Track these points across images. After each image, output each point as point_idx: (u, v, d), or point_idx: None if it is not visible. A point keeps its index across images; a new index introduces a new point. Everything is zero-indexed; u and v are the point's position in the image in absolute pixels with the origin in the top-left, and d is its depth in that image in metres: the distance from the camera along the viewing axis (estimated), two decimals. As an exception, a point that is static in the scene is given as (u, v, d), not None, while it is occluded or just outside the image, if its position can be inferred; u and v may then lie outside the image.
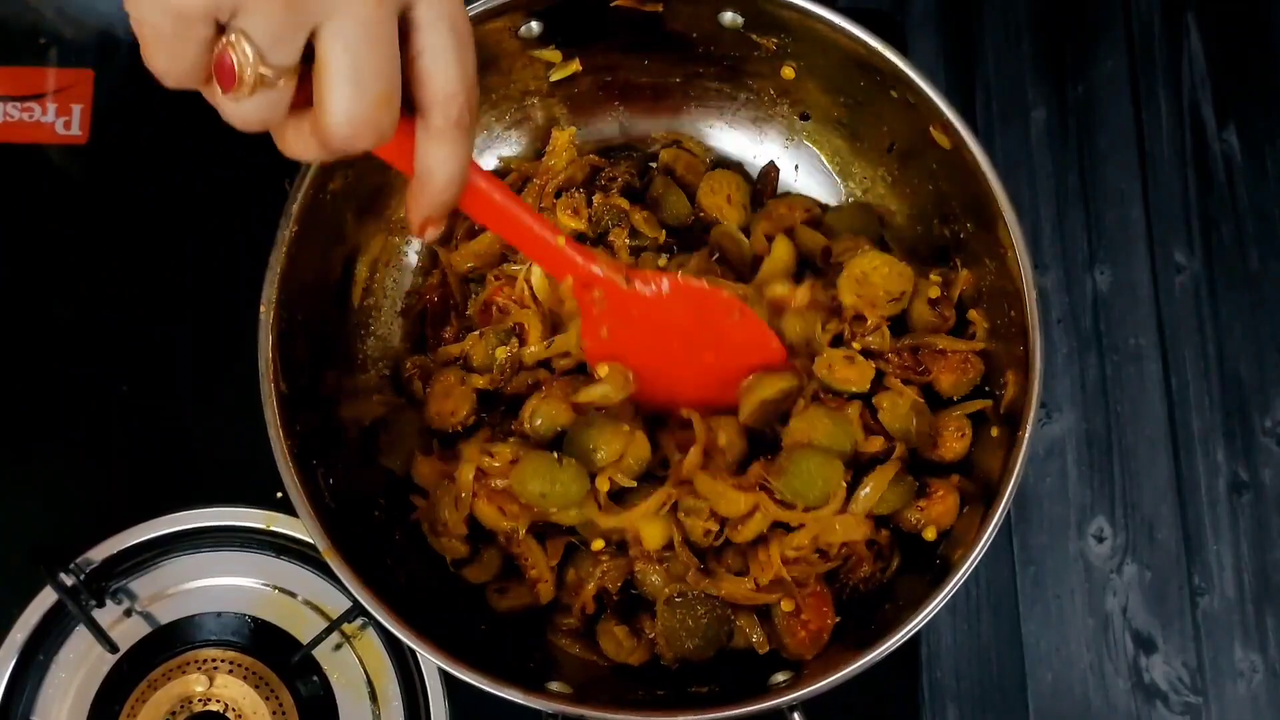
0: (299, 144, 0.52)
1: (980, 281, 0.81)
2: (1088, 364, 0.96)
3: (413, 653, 0.86)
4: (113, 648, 0.85)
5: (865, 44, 0.77)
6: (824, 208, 0.90)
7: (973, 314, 0.82)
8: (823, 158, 0.91)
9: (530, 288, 0.83)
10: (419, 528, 0.82)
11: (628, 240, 0.85)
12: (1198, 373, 0.96)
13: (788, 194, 0.91)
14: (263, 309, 0.74)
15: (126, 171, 0.97)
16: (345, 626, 0.85)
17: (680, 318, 0.74)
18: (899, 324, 0.84)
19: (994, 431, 0.78)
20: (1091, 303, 0.97)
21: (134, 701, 0.84)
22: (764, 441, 0.79)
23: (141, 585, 0.87)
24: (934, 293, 0.82)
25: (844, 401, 0.79)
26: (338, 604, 0.86)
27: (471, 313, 0.86)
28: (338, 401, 0.82)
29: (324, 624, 0.85)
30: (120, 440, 0.92)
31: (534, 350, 0.82)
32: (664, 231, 0.87)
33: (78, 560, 0.86)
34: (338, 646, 0.87)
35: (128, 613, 0.87)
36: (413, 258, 0.89)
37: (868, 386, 0.79)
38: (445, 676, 0.85)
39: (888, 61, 0.77)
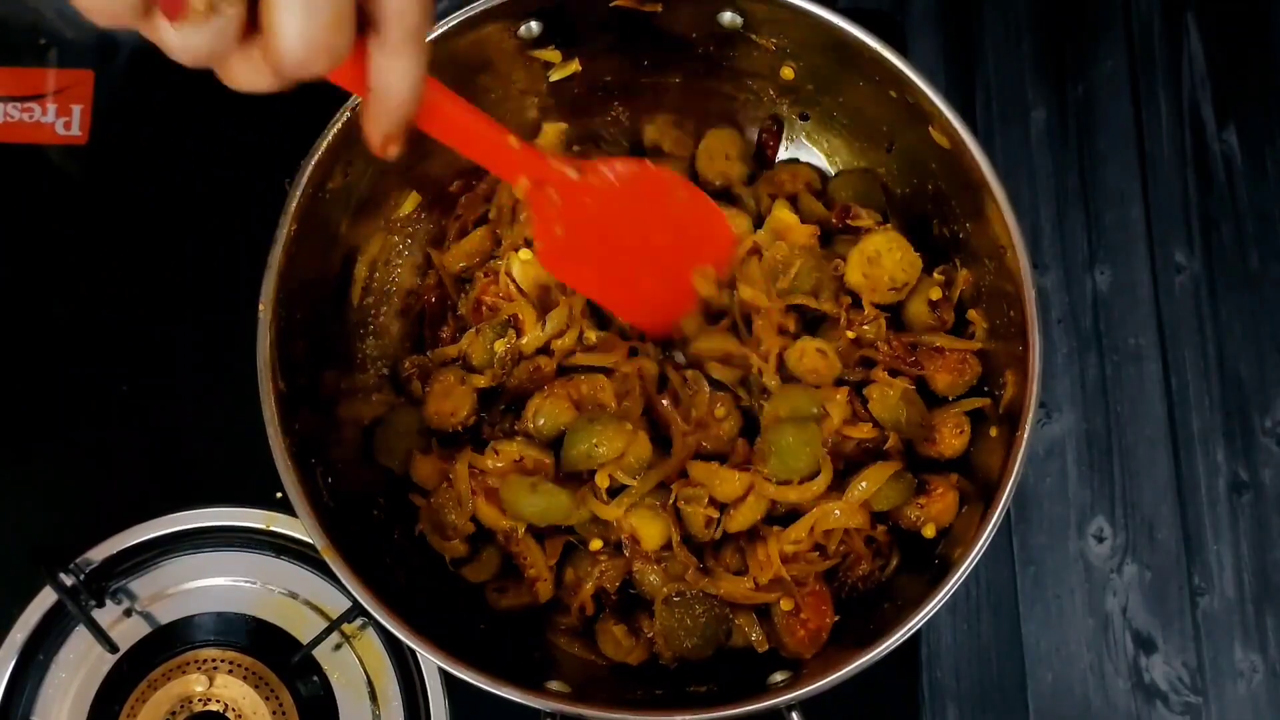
0: (248, 75, 0.49)
1: (979, 281, 0.81)
2: (1088, 364, 0.96)
3: (413, 652, 0.86)
4: (113, 648, 0.85)
5: (865, 44, 0.77)
6: (825, 176, 0.91)
7: (972, 314, 0.82)
8: (822, 157, 0.91)
9: (514, 280, 0.83)
10: (418, 527, 0.82)
11: None
12: (1198, 373, 0.96)
13: (793, 161, 0.91)
14: (262, 308, 0.74)
15: (126, 171, 0.98)
16: (345, 626, 0.85)
17: (631, 205, 0.74)
18: (895, 322, 0.84)
19: (993, 431, 0.78)
20: (1091, 303, 0.97)
21: (134, 701, 0.84)
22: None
23: (141, 585, 0.87)
24: (935, 294, 0.82)
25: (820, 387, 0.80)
26: (338, 604, 0.86)
27: (464, 312, 0.86)
28: (337, 401, 0.82)
29: (324, 624, 0.85)
30: (120, 440, 0.92)
31: (532, 338, 0.82)
32: None
33: (78, 560, 0.86)
34: (338, 646, 0.87)
35: (128, 613, 0.87)
36: (412, 257, 0.89)
37: (830, 382, 0.80)
38: (445, 676, 0.85)
39: (888, 62, 0.77)
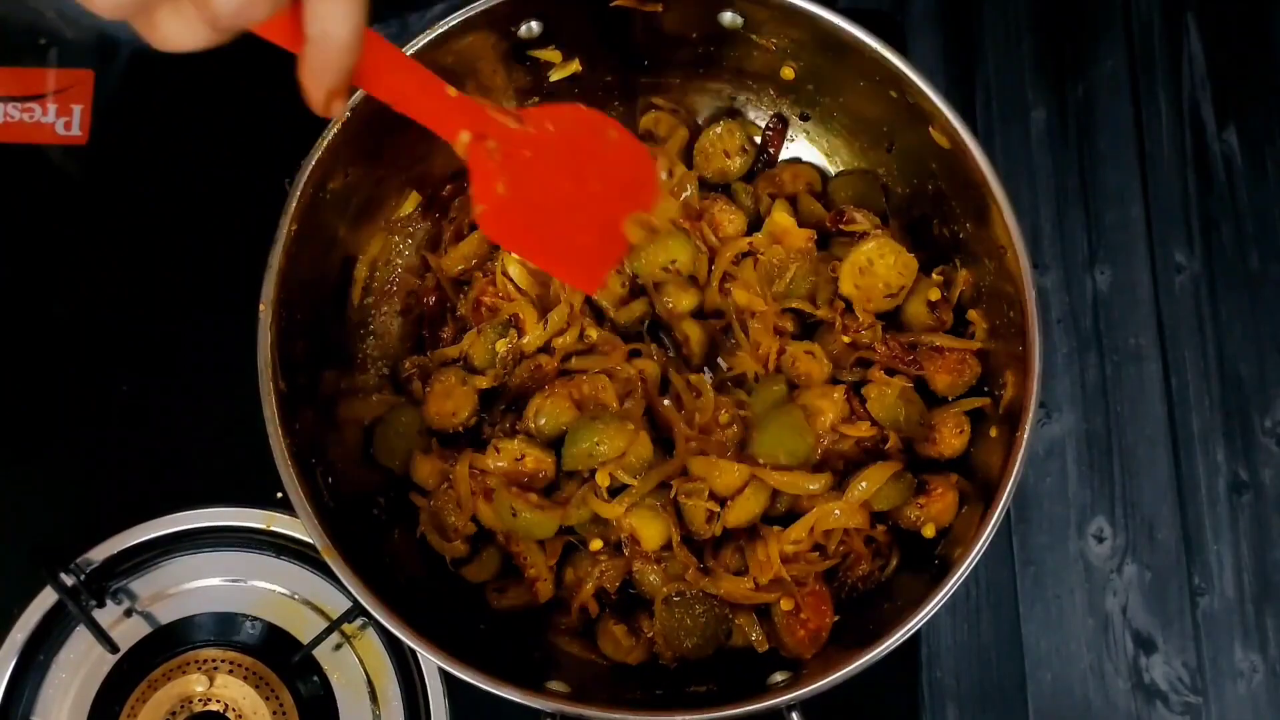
0: (177, 29, 0.46)
1: (979, 281, 0.81)
2: (1088, 364, 0.96)
3: (413, 653, 0.86)
4: (113, 648, 0.85)
5: (865, 44, 0.77)
6: (826, 176, 0.91)
7: (972, 314, 0.82)
8: (823, 157, 0.91)
9: (511, 280, 0.83)
10: (419, 527, 0.82)
11: None
12: (1198, 373, 0.96)
13: (795, 160, 0.91)
14: (262, 308, 0.74)
15: (126, 171, 0.97)
16: (345, 626, 0.85)
17: (568, 152, 0.72)
18: (893, 322, 0.84)
19: (993, 431, 0.78)
20: (1091, 303, 0.97)
21: (134, 701, 0.84)
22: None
23: (141, 585, 0.87)
24: (934, 295, 0.82)
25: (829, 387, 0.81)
26: (338, 604, 0.86)
27: (464, 312, 0.86)
28: (337, 401, 0.82)
29: (324, 624, 0.85)
30: (120, 440, 0.92)
31: (532, 337, 0.82)
32: None
33: (78, 560, 0.86)
34: (338, 646, 0.87)
35: (128, 613, 0.87)
36: (412, 258, 0.89)
37: (821, 382, 0.81)
38: (445, 676, 0.85)
39: (888, 61, 0.77)
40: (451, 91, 0.63)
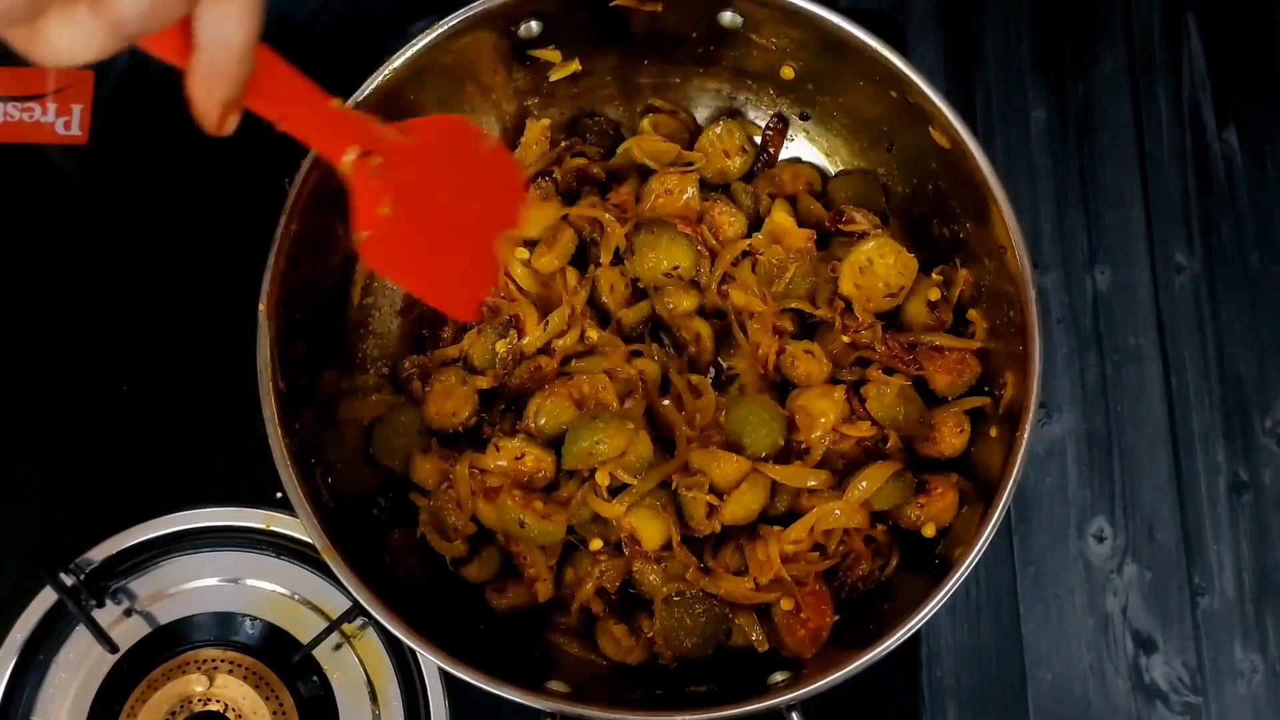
0: (70, 36, 0.41)
1: (979, 281, 0.81)
2: (1088, 364, 0.96)
3: (413, 653, 0.86)
4: (113, 648, 0.85)
5: (865, 44, 0.77)
6: (826, 176, 0.91)
7: (972, 314, 0.82)
8: (823, 157, 0.91)
9: (513, 280, 0.83)
10: (419, 527, 0.82)
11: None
12: (1198, 373, 0.96)
13: (795, 160, 0.91)
14: (261, 308, 0.74)
15: (126, 171, 0.97)
16: (345, 626, 0.85)
17: (448, 165, 0.70)
18: (893, 322, 0.84)
19: (993, 431, 0.78)
20: (1091, 303, 0.97)
21: (134, 701, 0.84)
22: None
23: (141, 585, 0.87)
24: (934, 294, 0.82)
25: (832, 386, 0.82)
26: (338, 604, 0.86)
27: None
28: (337, 401, 0.82)
29: (324, 624, 0.85)
30: (120, 440, 0.92)
31: (533, 338, 0.82)
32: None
33: (78, 560, 0.86)
34: (338, 646, 0.87)
35: (128, 613, 0.87)
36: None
37: (821, 382, 0.81)
38: (445, 676, 0.85)
39: (888, 61, 0.77)
40: (336, 104, 0.60)
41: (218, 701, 0.84)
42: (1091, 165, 1.00)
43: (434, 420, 0.83)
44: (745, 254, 0.85)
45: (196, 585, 0.88)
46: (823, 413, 0.79)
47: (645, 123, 0.89)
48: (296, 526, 0.86)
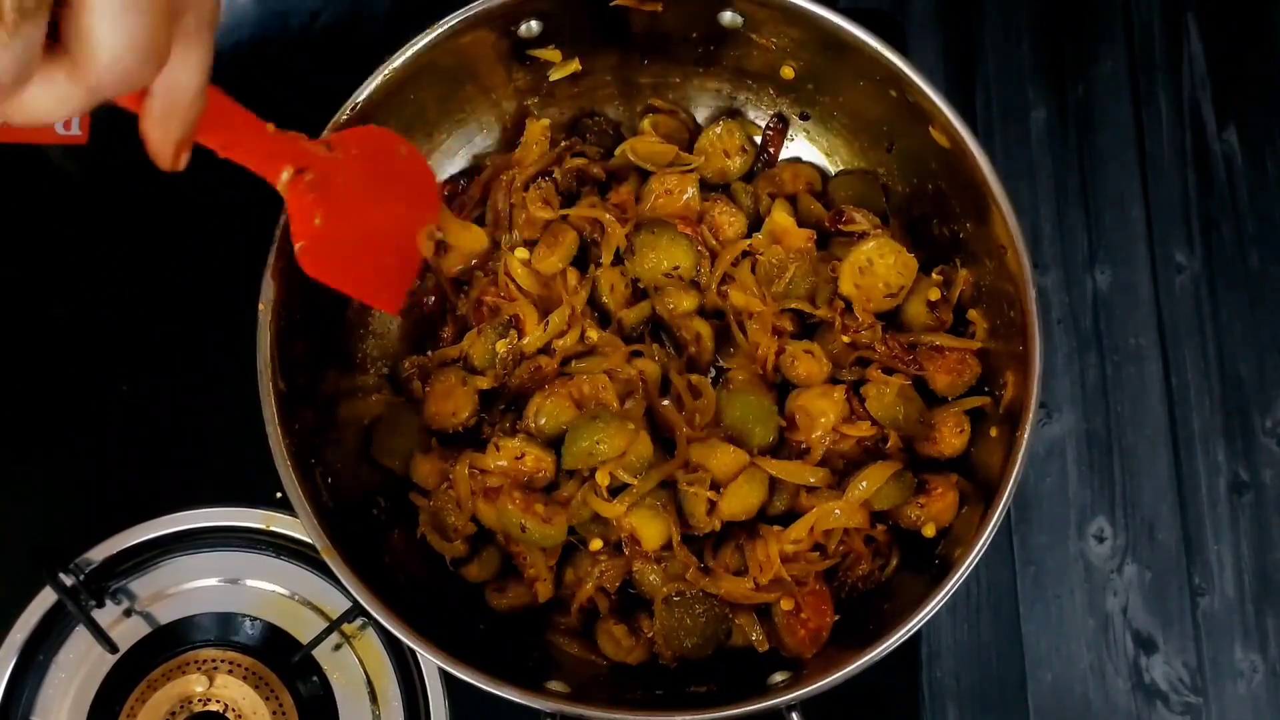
0: (46, 99, 0.43)
1: (980, 281, 0.81)
2: (1088, 364, 0.96)
3: (413, 653, 0.86)
4: (113, 648, 0.85)
5: (865, 44, 0.77)
6: (826, 176, 0.91)
7: (972, 314, 0.82)
8: (823, 157, 0.91)
9: (514, 280, 0.83)
10: (419, 527, 0.82)
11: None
12: (1198, 373, 0.96)
13: (795, 160, 0.91)
14: (261, 308, 0.74)
15: (126, 171, 0.97)
16: (345, 626, 0.85)
17: (370, 173, 0.74)
18: (893, 322, 0.84)
19: (993, 431, 0.78)
20: (1091, 303, 0.97)
21: (134, 701, 0.84)
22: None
23: (141, 585, 0.87)
24: (934, 294, 0.82)
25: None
26: (338, 604, 0.86)
27: (464, 312, 0.86)
28: (337, 401, 0.82)
29: (324, 624, 0.85)
30: (120, 440, 0.92)
31: (533, 338, 0.82)
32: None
33: (78, 560, 0.86)
34: (338, 646, 0.87)
35: (128, 613, 0.87)
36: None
37: (821, 382, 0.81)
38: (445, 676, 0.85)
39: (888, 61, 0.77)
40: (271, 129, 0.64)
41: (218, 702, 0.84)
42: (1091, 165, 1.00)
43: (434, 420, 0.83)
44: (745, 254, 0.85)
45: (196, 585, 0.88)
46: (823, 412, 0.79)
47: (646, 123, 0.88)
48: (296, 526, 0.86)
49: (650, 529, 0.77)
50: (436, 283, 0.88)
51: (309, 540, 0.72)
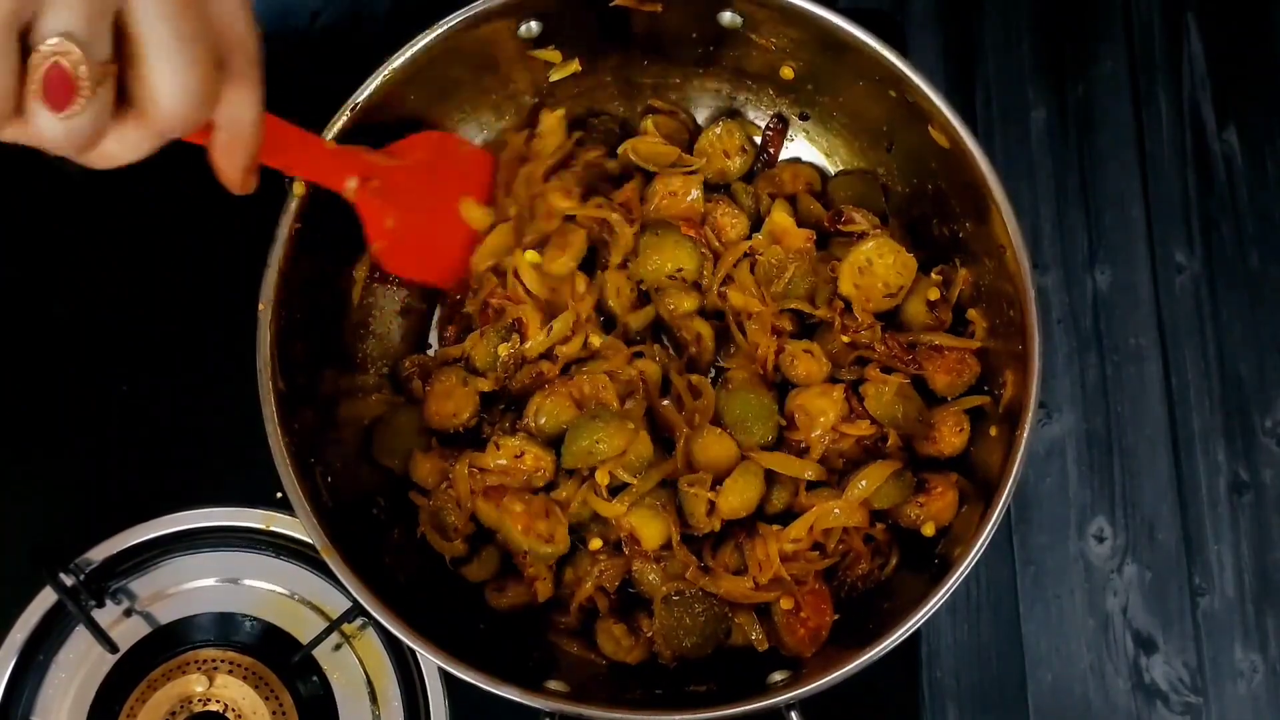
0: (121, 146, 0.49)
1: (979, 281, 0.81)
2: (1088, 364, 0.96)
3: (413, 653, 0.86)
4: (113, 648, 0.85)
5: (865, 44, 0.77)
6: (826, 176, 0.91)
7: (972, 313, 0.82)
8: (822, 157, 0.91)
9: (522, 283, 0.83)
10: (418, 526, 0.82)
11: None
12: (1198, 373, 0.96)
13: (795, 160, 0.91)
14: (261, 308, 0.74)
15: (126, 171, 0.97)
16: (345, 626, 0.85)
17: (432, 173, 0.80)
18: (893, 322, 0.84)
19: (993, 431, 0.78)
20: (1091, 303, 0.97)
21: (134, 701, 0.84)
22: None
23: (141, 585, 0.87)
24: (933, 294, 0.82)
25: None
26: (338, 604, 0.86)
27: (470, 310, 0.86)
28: (337, 401, 0.82)
29: (324, 624, 0.85)
30: (120, 440, 0.92)
31: (535, 343, 0.82)
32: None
33: (78, 560, 0.86)
34: (338, 646, 0.87)
35: (128, 613, 0.87)
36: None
37: (820, 381, 0.81)
38: (445, 676, 0.85)
39: (888, 61, 0.77)
40: (330, 145, 0.71)
41: (217, 702, 0.84)
42: (1091, 165, 1.00)
43: (434, 420, 0.83)
44: (745, 255, 0.85)
45: (196, 585, 0.88)
46: (822, 412, 0.79)
47: (648, 123, 0.88)
48: (296, 526, 0.86)
49: (650, 528, 0.77)
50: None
51: (309, 540, 0.72)
